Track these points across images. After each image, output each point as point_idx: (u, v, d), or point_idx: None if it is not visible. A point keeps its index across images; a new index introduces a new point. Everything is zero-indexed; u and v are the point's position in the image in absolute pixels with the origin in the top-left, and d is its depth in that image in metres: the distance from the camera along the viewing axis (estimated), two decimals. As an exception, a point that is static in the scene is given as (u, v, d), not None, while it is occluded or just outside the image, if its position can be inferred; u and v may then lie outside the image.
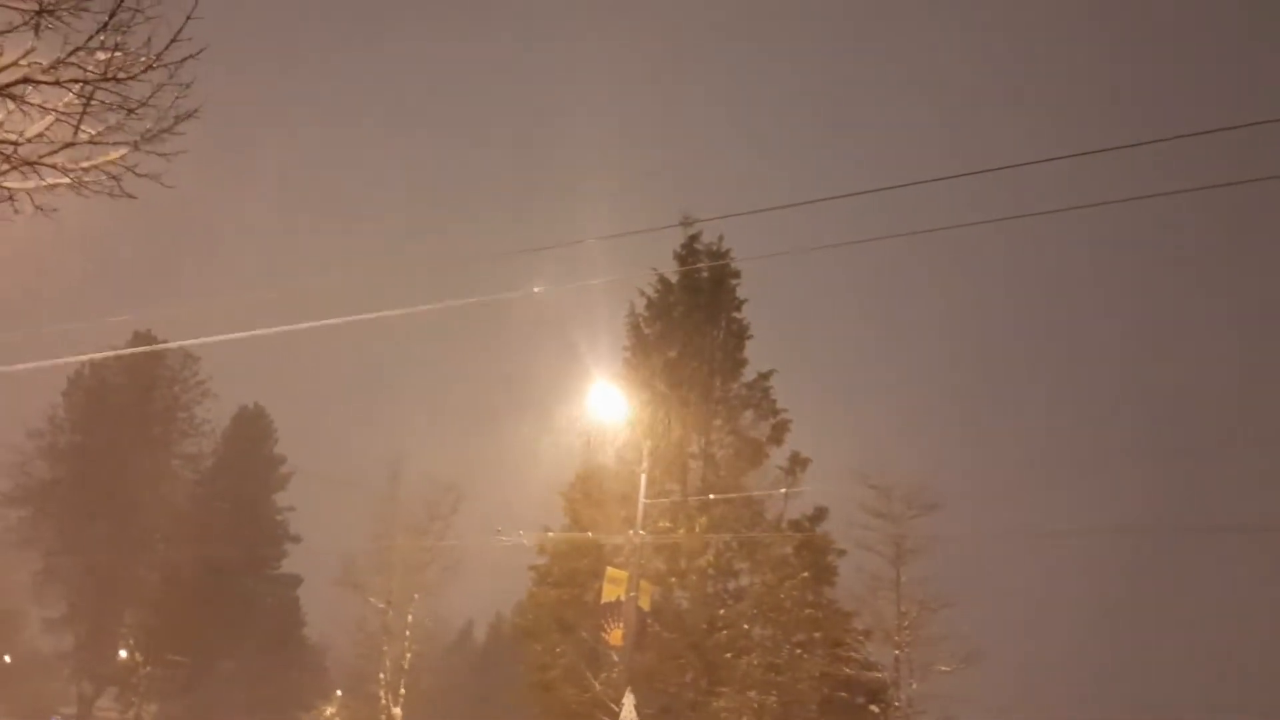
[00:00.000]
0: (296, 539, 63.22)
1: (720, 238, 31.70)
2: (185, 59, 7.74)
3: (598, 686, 27.55)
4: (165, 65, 7.74)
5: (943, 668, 27.21)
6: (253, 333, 15.16)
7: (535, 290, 14.59)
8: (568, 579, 29.68)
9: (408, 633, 41.19)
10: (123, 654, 51.80)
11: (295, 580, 64.32)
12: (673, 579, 28.25)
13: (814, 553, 28.72)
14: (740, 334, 31.54)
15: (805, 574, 28.14)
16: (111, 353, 53.82)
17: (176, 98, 7.96)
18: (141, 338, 53.74)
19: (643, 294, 32.09)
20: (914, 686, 27.24)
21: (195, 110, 8.10)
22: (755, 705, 26.32)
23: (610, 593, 22.92)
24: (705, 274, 31.82)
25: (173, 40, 7.57)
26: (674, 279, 32.08)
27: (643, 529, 23.59)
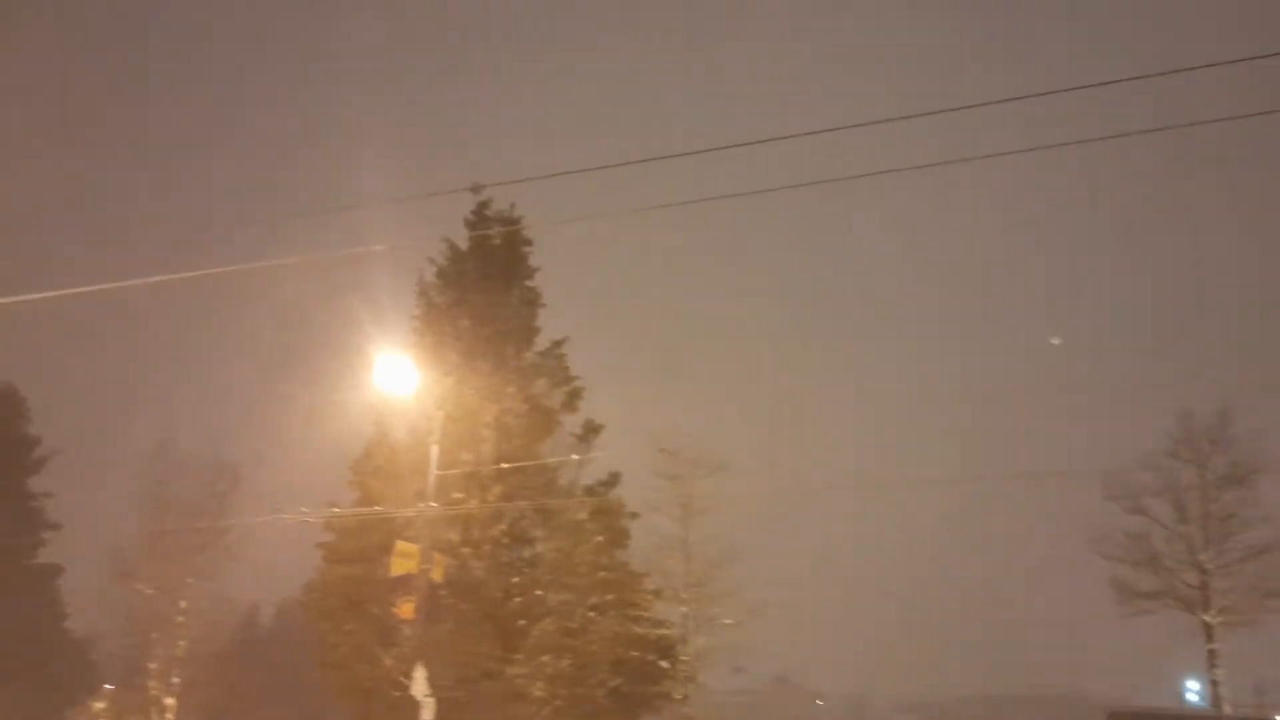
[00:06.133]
0: (56, 526, 58.25)
1: (512, 205, 31.42)
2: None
3: (389, 662, 27.04)
4: None
5: (727, 621, 28.33)
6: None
7: (309, 256, 13.96)
8: (357, 555, 28.86)
9: (181, 619, 38.96)
10: None
11: (55, 570, 59.33)
12: (466, 550, 28.00)
13: (607, 517, 29.17)
14: (533, 302, 31.46)
15: (599, 538, 28.57)
16: None
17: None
18: None
19: (433, 262, 31.48)
20: (701, 641, 28.23)
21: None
22: (550, 670, 26.55)
23: (400, 567, 22.46)
24: (497, 241, 31.51)
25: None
26: (465, 246, 31.63)
27: (435, 501, 23.23)
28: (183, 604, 38.94)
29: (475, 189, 30.27)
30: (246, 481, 41.47)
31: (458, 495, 27.58)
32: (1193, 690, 48.94)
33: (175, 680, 38.21)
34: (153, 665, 38.38)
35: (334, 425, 31.50)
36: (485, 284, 30.78)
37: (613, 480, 29.84)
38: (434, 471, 23.19)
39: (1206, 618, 35.25)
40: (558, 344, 30.90)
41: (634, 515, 30.35)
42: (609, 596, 28.58)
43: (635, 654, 28.50)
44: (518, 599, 27.68)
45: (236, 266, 14.78)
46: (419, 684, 21.41)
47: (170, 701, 38.33)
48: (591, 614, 28.13)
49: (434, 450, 23.45)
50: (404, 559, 22.43)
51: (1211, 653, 35.55)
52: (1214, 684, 35.97)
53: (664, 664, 29.17)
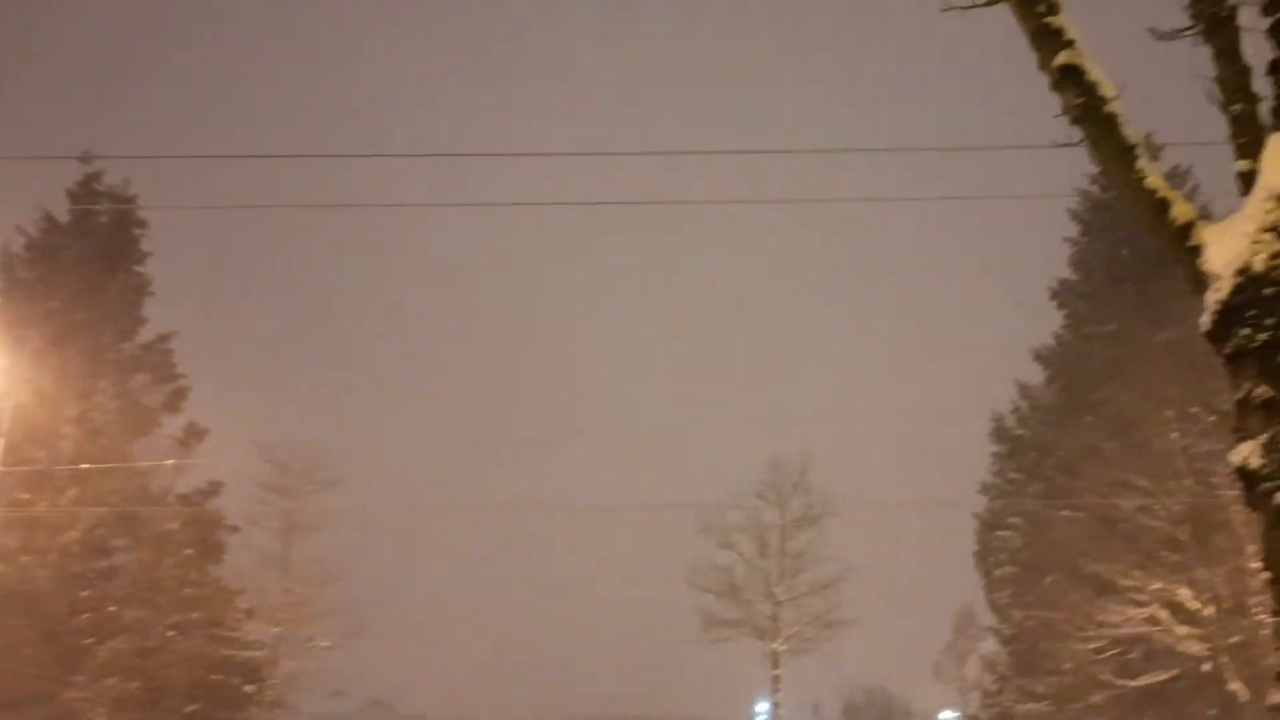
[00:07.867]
0: None
1: (126, 180, 29.18)
2: None
3: (-89, 687, 23.50)
4: None
5: (324, 643, 27.45)
6: None
7: None
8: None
9: None
10: None
11: None
12: (27, 558, 25.22)
13: (202, 528, 27.70)
14: (141, 289, 29.57)
15: (189, 551, 26.94)
16: None
17: None
18: None
19: (22, 231, 28.29)
20: (292, 664, 27.11)
21: None
22: (116, 693, 24.37)
23: (-62, 574, 19.63)
24: (104, 218, 29.08)
25: None
26: (65, 219, 28.79)
27: (-5, 501, 20.63)
28: None
29: (85, 158, 27.64)
30: None
31: (24, 496, 24.82)
32: (762, 712, 53.97)
33: None
34: None
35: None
36: (84, 264, 28.25)
37: (213, 489, 28.36)
38: (-3, 468, 20.57)
39: (774, 645, 39.01)
40: (164, 338, 29.06)
41: (234, 529, 28.84)
42: (194, 615, 26.95)
43: (217, 677, 26.93)
44: (86, 614, 25.45)
45: None
46: (-56, 711, 18.76)
47: None
48: (172, 633, 26.38)
49: (-2, 444, 20.82)
50: (-57, 566, 19.62)
51: (775, 677, 39.39)
52: (776, 706, 39.90)
53: (249, 688, 27.70)
